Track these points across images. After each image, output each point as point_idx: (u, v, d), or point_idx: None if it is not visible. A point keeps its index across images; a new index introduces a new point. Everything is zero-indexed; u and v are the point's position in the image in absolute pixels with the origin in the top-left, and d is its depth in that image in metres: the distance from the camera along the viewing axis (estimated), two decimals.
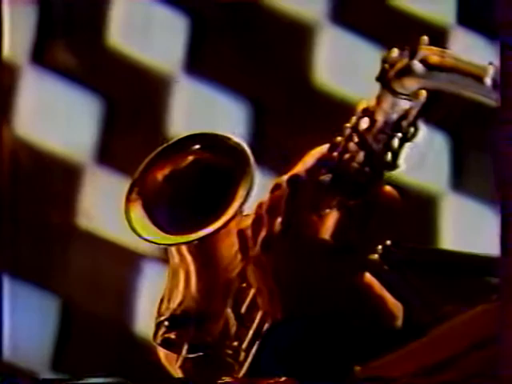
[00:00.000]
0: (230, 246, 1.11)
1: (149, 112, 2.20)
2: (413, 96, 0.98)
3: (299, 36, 2.53)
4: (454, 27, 2.31)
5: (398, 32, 2.36)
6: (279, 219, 1.00)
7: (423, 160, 1.92)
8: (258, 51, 2.40)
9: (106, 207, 2.00)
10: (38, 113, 2.13)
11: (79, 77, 2.17)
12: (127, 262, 2.13)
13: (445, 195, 2.36)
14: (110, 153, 2.14)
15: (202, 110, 2.26)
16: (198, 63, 2.33)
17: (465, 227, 2.38)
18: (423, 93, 0.98)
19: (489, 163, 2.05)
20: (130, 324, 2.10)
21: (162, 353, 1.19)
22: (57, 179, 2.08)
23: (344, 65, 2.50)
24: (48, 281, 2.05)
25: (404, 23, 2.38)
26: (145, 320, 1.95)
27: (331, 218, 1.01)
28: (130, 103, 2.21)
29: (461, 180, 2.40)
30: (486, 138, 2.03)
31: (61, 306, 2.07)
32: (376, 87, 1.01)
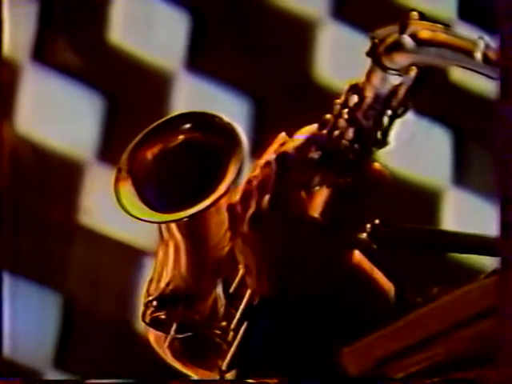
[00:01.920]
0: (219, 225, 1.11)
1: (150, 108, 2.20)
2: (403, 71, 0.97)
3: (300, 31, 2.53)
4: (455, 23, 2.31)
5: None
6: (267, 196, 1.00)
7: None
8: (259, 47, 2.40)
9: (108, 204, 1.98)
10: (39, 110, 2.13)
11: (80, 74, 2.17)
12: (129, 259, 2.12)
13: (446, 190, 2.36)
14: (111, 150, 2.13)
15: (202, 106, 2.25)
16: (199, 59, 2.33)
17: (466, 222, 2.38)
18: (413, 68, 0.97)
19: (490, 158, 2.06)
20: (131, 321, 2.09)
21: (151, 335, 1.19)
22: (58, 176, 2.07)
23: (345, 60, 2.50)
24: (49, 278, 2.04)
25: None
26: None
27: (320, 196, 1.00)
28: (131, 100, 2.21)
29: (463, 175, 2.40)
30: (488, 132, 2.03)
31: (62, 304, 2.06)
32: None
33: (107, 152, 2.12)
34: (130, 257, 2.13)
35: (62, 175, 2.09)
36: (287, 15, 2.41)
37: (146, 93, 2.24)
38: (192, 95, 2.28)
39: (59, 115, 2.14)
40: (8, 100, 2.07)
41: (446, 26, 0.96)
